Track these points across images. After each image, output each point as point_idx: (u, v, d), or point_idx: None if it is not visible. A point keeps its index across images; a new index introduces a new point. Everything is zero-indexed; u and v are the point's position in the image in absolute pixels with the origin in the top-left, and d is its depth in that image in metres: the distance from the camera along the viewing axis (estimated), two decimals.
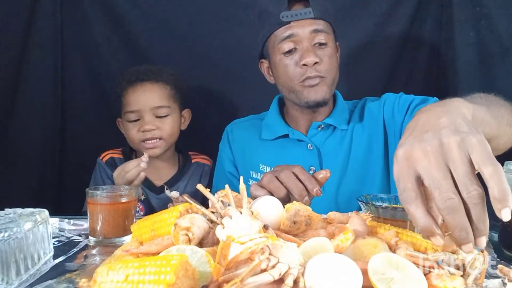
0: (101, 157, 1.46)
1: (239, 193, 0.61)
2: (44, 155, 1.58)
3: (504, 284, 0.60)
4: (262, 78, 1.53)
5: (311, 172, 1.19)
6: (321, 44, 1.14)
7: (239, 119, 1.41)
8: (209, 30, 1.61)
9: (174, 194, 1.21)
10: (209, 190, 0.61)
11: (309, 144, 1.22)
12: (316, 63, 1.12)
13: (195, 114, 1.51)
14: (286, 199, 0.85)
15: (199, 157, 1.52)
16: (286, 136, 1.24)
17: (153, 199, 1.40)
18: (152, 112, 1.35)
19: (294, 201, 0.68)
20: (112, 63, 1.63)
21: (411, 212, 0.52)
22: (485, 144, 0.50)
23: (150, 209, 1.36)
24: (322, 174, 0.86)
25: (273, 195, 0.83)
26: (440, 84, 1.60)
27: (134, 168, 1.19)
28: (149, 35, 1.62)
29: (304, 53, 1.13)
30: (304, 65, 1.13)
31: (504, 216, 0.48)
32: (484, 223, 0.50)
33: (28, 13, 1.51)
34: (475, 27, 1.40)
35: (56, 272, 0.64)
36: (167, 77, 1.40)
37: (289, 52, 1.15)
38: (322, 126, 1.23)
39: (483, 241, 0.51)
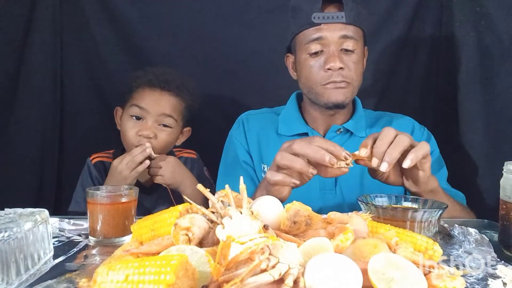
0: (90, 158, 1.45)
1: (239, 193, 0.61)
2: (44, 155, 1.58)
3: (504, 284, 0.60)
4: (262, 78, 1.53)
5: None
6: (348, 50, 1.14)
7: (254, 111, 1.39)
8: (209, 29, 1.61)
9: (148, 144, 1.28)
10: (209, 190, 0.61)
11: None
12: (340, 68, 1.12)
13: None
14: (304, 178, 0.90)
15: (183, 152, 1.51)
16: (304, 134, 1.24)
17: (145, 200, 1.39)
18: (156, 118, 1.34)
19: (294, 201, 0.68)
20: (111, 63, 1.63)
21: (368, 136, 0.88)
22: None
23: (143, 210, 1.35)
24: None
25: (291, 176, 0.87)
26: (440, 84, 1.61)
27: (140, 154, 1.24)
28: (148, 35, 1.62)
29: (329, 57, 1.12)
30: (329, 69, 1.12)
31: (405, 163, 0.83)
32: (391, 156, 0.82)
33: (28, 13, 1.51)
34: (475, 27, 1.40)
35: (56, 272, 0.64)
36: (187, 94, 1.40)
37: (315, 53, 1.14)
38: (341, 130, 1.24)
39: (384, 165, 0.82)
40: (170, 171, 1.31)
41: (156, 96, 1.35)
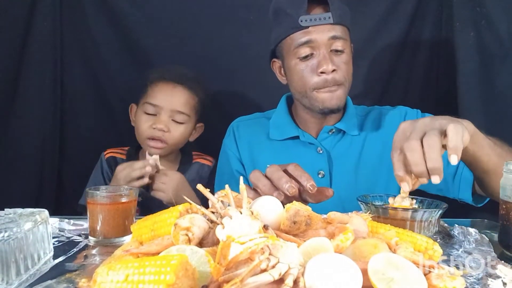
0: (104, 153, 1.47)
1: (239, 193, 0.61)
2: (44, 155, 1.58)
3: (504, 284, 0.60)
4: (262, 78, 1.52)
5: (319, 176, 1.20)
6: (337, 50, 1.12)
7: (244, 116, 1.38)
8: (209, 29, 1.61)
9: (154, 157, 1.25)
10: (209, 190, 0.61)
11: (319, 148, 1.22)
12: (333, 70, 1.10)
13: None
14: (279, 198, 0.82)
15: (200, 158, 1.51)
16: (295, 137, 1.23)
17: (151, 201, 1.39)
18: (170, 114, 1.35)
19: (294, 201, 0.68)
20: (112, 63, 1.63)
21: (394, 161, 0.77)
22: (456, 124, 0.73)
23: (149, 211, 1.35)
24: (326, 191, 0.84)
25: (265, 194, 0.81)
26: (440, 84, 1.61)
27: (139, 169, 1.21)
28: (149, 35, 1.62)
29: (321, 60, 1.10)
30: (322, 72, 1.10)
31: (452, 160, 0.70)
32: (435, 163, 0.71)
33: (28, 13, 1.51)
34: (475, 27, 1.40)
35: (56, 272, 0.64)
36: (200, 89, 1.40)
37: (305, 57, 1.12)
38: (333, 130, 1.23)
39: (436, 178, 0.71)
40: (174, 189, 1.26)
41: (169, 91, 1.36)
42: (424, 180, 0.74)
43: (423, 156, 0.72)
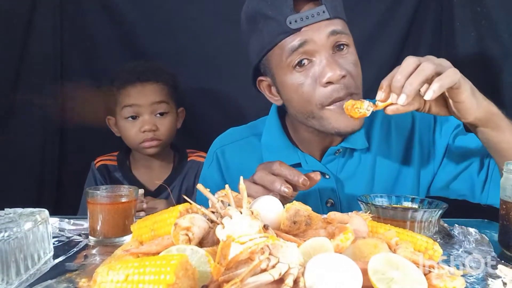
0: (95, 162, 1.47)
1: (239, 193, 0.61)
2: (44, 155, 1.58)
3: (504, 284, 0.60)
4: None
5: (328, 205, 1.05)
6: (340, 47, 0.90)
7: (228, 136, 1.15)
8: (209, 29, 1.61)
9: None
10: (209, 190, 0.61)
11: (325, 173, 1.03)
12: (343, 77, 0.88)
13: (195, 114, 1.51)
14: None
15: (195, 155, 1.51)
16: (297, 165, 1.03)
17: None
18: (151, 109, 1.35)
19: (294, 201, 0.68)
20: (112, 63, 1.63)
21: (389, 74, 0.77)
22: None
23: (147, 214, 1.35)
24: (314, 176, 0.83)
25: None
26: None
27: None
28: (149, 35, 1.62)
29: (324, 66, 0.87)
30: (329, 82, 0.88)
31: (427, 95, 0.73)
32: (411, 85, 0.72)
33: (28, 13, 1.51)
34: (475, 27, 1.40)
35: (56, 272, 0.64)
36: (166, 78, 1.40)
37: (302, 66, 0.90)
38: (340, 150, 1.04)
39: (403, 98, 0.73)
40: None
41: (139, 91, 1.36)
42: (393, 97, 0.75)
43: (410, 73, 0.73)
